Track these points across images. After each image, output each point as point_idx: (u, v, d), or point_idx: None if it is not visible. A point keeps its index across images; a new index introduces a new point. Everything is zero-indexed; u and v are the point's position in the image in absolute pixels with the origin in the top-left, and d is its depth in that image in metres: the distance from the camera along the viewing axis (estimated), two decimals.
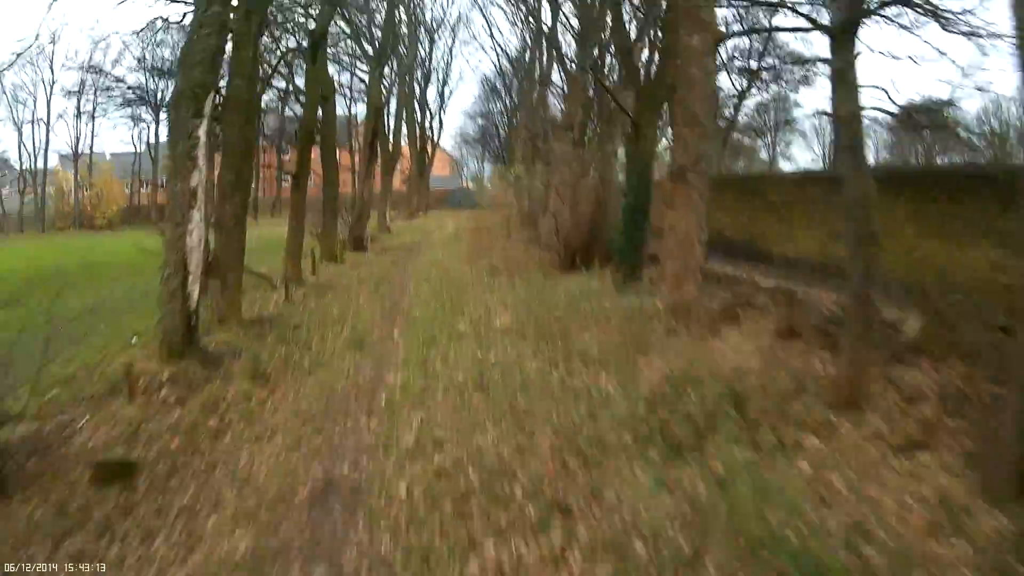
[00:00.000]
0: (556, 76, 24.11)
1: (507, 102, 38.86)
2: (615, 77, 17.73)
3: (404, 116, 34.36)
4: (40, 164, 46.28)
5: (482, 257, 16.95)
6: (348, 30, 21.16)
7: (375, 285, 13.19)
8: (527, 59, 29.58)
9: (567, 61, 19.45)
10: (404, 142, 37.79)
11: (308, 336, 8.99)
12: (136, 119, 45.09)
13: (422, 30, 35.88)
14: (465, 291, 11.98)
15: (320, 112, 16.17)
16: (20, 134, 47.24)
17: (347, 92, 31.93)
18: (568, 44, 19.35)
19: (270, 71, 15.06)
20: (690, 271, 9.45)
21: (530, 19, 26.68)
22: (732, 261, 12.07)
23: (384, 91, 26.27)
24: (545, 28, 22.15)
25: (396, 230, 29.19)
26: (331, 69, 30.13)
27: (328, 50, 23.63)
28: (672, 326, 8.34)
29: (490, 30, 59.31)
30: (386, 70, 27.80)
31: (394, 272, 15.40)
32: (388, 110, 30.07)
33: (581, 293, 11.09)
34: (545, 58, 23.77)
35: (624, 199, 11.61)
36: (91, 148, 46.70)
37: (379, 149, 27.07)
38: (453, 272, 14.65)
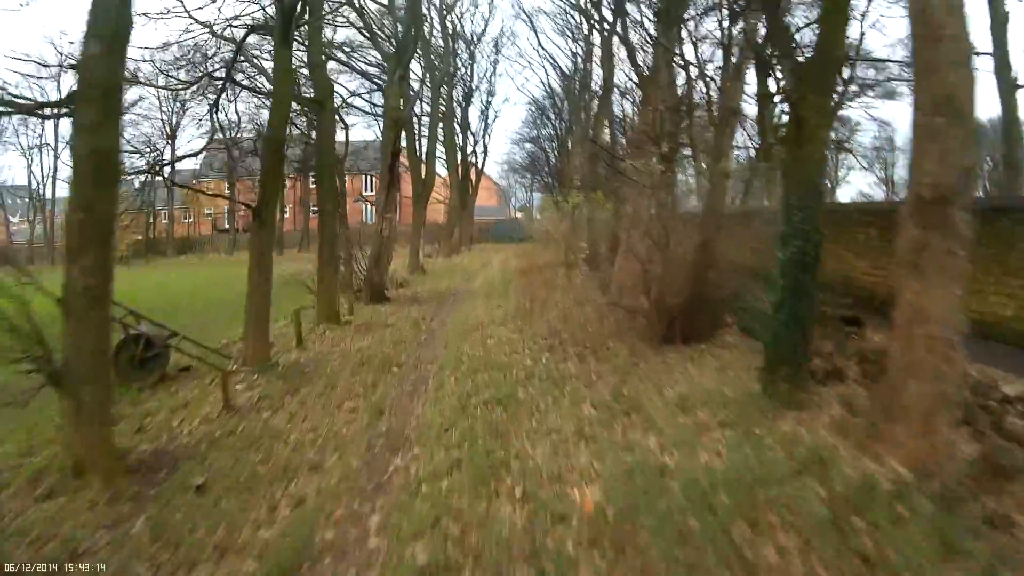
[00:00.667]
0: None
1: (557, 124, 34.37)
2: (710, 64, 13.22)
3: (443, 138, 30.31)
4: (49, 192, 44.19)
5: (537, 316, 12.39)
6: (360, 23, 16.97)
7: (376, 374, 8.66)
8: (580, 68, 25.48)
9: (640, 54, 14.98)
10: (444, 170, 33.76)
11: (208, 526, 4.56)
12: (151, 144, 41.65)
13: (461, 43, 32.00)
14: (514, 394, 7.37)
15: (317, 124, 12.03)
16: (29, 160, 45.56)
17: (378, 110, 27.81)
18: (644, 33, 14.90)
19: (233, 55, 10.88)
20: (948, 400, 4.89)
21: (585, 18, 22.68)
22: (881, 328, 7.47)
23: (412, 105, 22.10)
24: (607, 18, 17.90)
25: (432, 270, 24.77)
26: (355, 83, 26.54)
27: (341, 54, 19.88)
28: (942, 526, 3.87)
29: (537, 38, 55.21)
30: (416, 84, 23.79)
31: (412, 344, 10.77)
32: (420, 131, 25.94)
33: (708, 406, 6.43)
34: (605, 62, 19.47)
35: (781, 246, 6.86)
36: None
37: (407, 174, 23.16)
38: (497, 347, 9.98)
